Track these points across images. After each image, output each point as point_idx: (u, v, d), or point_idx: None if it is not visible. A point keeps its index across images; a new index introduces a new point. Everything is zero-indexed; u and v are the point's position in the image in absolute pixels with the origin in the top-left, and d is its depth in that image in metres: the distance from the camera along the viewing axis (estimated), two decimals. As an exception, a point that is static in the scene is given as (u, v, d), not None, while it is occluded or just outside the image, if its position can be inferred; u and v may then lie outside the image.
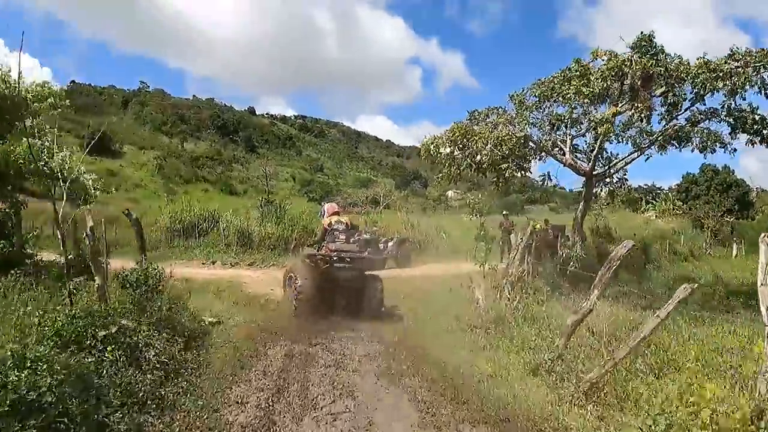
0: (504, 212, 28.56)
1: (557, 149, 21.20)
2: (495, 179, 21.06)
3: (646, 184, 56.38)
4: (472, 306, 12.90)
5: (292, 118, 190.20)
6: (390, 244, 25.39)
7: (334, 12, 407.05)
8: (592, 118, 19.72)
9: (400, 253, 24.99)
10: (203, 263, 25.01)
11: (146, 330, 8.14)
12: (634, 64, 18.17)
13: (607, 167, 21.56)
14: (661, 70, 18.13)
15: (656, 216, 52.28)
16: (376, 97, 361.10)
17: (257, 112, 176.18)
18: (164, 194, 66.66)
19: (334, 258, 13.23)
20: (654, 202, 53.84)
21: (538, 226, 21.65)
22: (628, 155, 21.09)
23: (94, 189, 15.69)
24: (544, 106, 20.75)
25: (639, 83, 18.36)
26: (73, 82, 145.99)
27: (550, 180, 22.63)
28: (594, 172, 21.13)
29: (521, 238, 15.97)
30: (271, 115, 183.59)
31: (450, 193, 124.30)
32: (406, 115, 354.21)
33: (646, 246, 29.67)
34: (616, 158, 21.61)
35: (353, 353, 10.09)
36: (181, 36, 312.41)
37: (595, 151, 20.78)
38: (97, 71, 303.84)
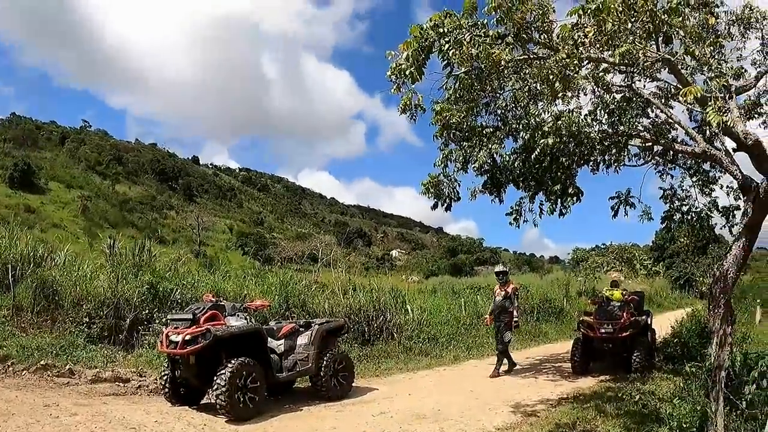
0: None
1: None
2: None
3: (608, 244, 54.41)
4: None
5: (237, 170, 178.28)
6: (302, 339, 10.03)
7: (280, 62, 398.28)
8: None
9: (325, 363, 10.08)
10: None
11: None
12: None
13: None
14: None
15: (624, 277, 43.72)
16: (321, 151, 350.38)
17: (201, 162, 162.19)
18: (85, 238, 55.36)
19: None
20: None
21: (616, 294, 13.61)
22: None
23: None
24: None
25: None
26: (13, 114, 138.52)
27: (519, 217, 12.22)
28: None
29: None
30: (215, 166, 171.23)
31: (394, 252, 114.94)
32: (349, 171, 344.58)
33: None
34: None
35: None
36: (126, 74, 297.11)
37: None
38: (39, 104, 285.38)
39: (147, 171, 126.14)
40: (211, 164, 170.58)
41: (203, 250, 77.62)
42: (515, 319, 13.21)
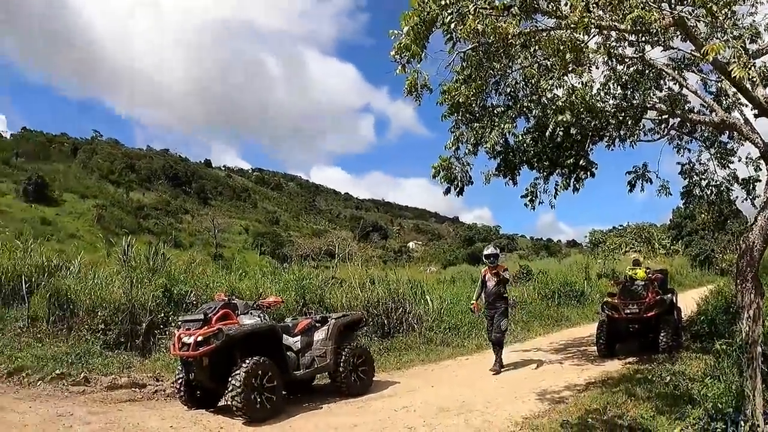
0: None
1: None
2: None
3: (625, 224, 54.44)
4: None
5: (249, 170, 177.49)
6: (318, 335, 9.75)
7: (283, 59, 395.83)
8: None
9: (344, 358, 9.59)
10: None
11: None
12: None
13: None
14: None
15: (644, 257, 42.80)
16: (330, 147, 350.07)
17: (213, 165, 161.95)
18: (103, 246, 54.93)
19: None
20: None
21: (639, 273, 13.23)
22: None
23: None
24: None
25: None
26: (24, 128, 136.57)
27: (534, 199, 11.10)
28: None
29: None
30: (228, 168, 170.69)
31: (411, 244, 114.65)
32: (359, 165, 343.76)
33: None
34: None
35: None
36: (133, 84, 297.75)
37: None
38: (50, 118, 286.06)
39: (160, 177, 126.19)
40: (223, 166, 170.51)
41: (220, 252, 77.64)
42: (511, 301, 12.47)
